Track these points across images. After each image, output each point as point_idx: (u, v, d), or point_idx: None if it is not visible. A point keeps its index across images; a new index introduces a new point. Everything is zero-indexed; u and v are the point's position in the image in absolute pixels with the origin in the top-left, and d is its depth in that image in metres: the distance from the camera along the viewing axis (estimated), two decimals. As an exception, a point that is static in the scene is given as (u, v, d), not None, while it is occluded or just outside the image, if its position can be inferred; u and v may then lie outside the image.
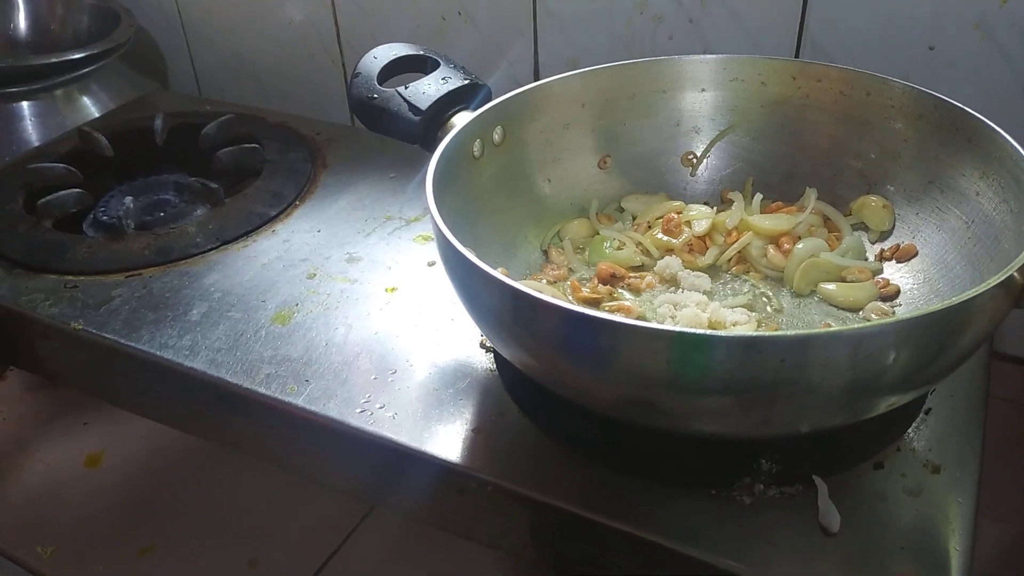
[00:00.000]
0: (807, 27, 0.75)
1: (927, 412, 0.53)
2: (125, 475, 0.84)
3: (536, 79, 0.65)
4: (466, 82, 0.63)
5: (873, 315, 0.57)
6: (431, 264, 0.69)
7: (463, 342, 0.60)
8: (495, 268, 0.45)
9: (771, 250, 0.62)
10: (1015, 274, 0.41)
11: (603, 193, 0.69)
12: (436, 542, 0.74)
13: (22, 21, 1.11)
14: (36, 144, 0.94)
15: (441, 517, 0.55)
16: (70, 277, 0.70)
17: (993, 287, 0.40)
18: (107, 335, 0.64)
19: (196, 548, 0.77)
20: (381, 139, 0.65)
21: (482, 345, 0.60)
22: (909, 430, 0.52)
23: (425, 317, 0.63)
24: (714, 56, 0.67)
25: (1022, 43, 0.67)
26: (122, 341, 0.63)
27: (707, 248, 0.64)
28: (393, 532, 0.77)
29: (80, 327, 0.65)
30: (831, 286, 0.59)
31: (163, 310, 0.66)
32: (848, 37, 0.73)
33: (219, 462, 0.84)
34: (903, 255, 0.60)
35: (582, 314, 0.42)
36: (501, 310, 0.47)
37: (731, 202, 0.66)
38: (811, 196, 0.64)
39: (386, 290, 0.67)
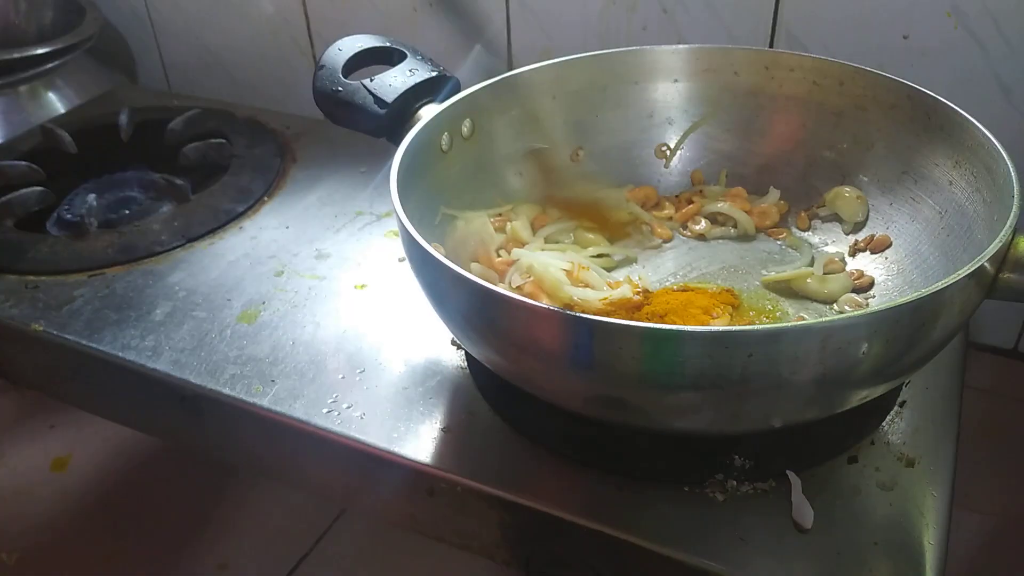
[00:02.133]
0: (781, 16, 0.74)
1: (902, 404, 0.52)
2: (92, 479, 0.83)
3: (510, 71, 0.64)
4: (433, 74, 0.61)
5: (847, 307, 0.57)
6: (402, 260, 0.68)
7: (433, 339, 0.59)
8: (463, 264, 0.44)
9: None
10: (986, 264, 0.41)
11: (576, 186, 0.68)
12: (407, 544, 0.74)
13: (-16, 16, 1.09)
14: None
15: (411, 519, 0.54)
16: (31, 277, 0.69)
17: (963, 278, 0.39)
18: (68, 336, 0.62)
19: (164, 553, 0.76)
20: (352, 133, 0.64)
21: (453, 342, 0.59)
22: (883, 423, 0.51)
23: (395, 314, 0.62)
24: (686, 46, 0.66)
25: (995, 30, 0.66)
26: (84, 342, 0.61)
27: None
28: (364, 535, 0.76)
29: (41, 328, 0.63)
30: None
31: (126, 310, 0.64)
32: (822, 26, 0.73)
33: (187, 465, 0.83)
34: (877, 246, 0.59)
35: (551, 311, 0.41)
36: (468, 308, 0.46)
37: (702, 182, 0.65)
38: (774, 195, 0.63)
39: (355, 287, 0.66)
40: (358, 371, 0.57)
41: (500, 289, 0.42)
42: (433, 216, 0.58)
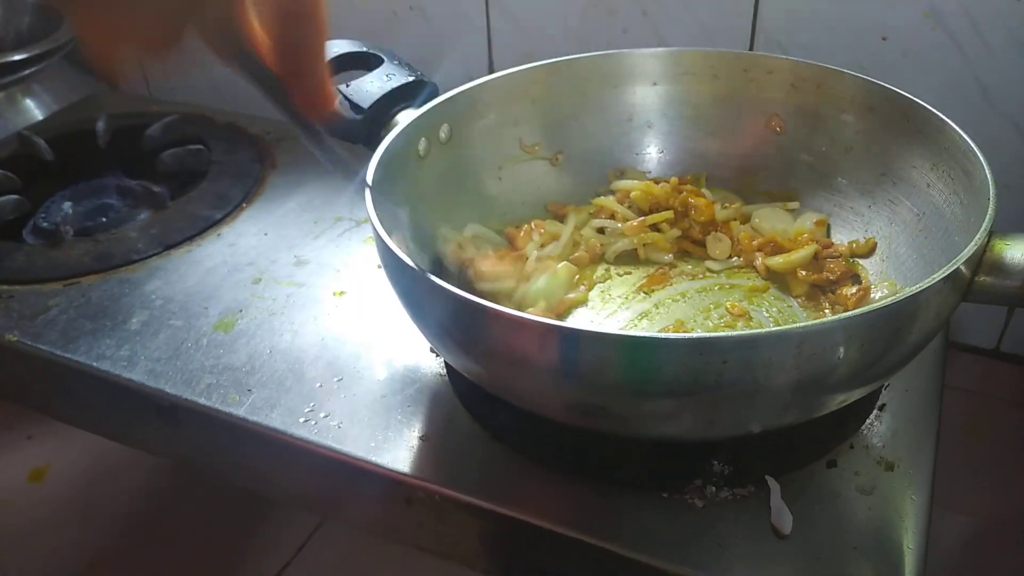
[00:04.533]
0: (760, 19, 0.74)
1: (881, 408, 0.52)
2: (70, 490, 0.82)
3: (490, 75, 0.63)
4: (411, 79, 0.61)
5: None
6: (380, 266, 0.67)
7: (412, 347, 0.59)
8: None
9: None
10: (961, 267, 0.41)
11: (556, 190, 0.67)
12: (388, 554, 0.73)
13: (-40, 23, 1.07)
14: (-24, 149, 0.90)
15: (390, 528, 0.54)
16: (5, 286, 0.68)
17: (939, 281, 0.39)
18: (43, 346, 0.61)
19: (142, 563, 0.75)
20: (333, 138, 0.63)
21: (432, 350, 0.58)
22: (863, 427, 0.51)
23: (374, 321, 0.62)
24: (664, 49, 0.66)
25: (973, 31, 0.67)
26: (58, 352, 0.61)
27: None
28: (345, 544, 0.75)
29: (15, 338, 0.62)
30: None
31: (102, 319, 0.63)
32: (801, 29, 0.72)
33: (166, 476, 0.82)
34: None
35: (528, 320, 0.40)
36: (444, 317, 0.45)
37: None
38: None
39: (334, 294, 0.65)
40: (336, 379, 0.57)
41: (476, 298, 0.41)
42: (411, 221, 0.57)
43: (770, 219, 0.63)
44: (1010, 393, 0.77)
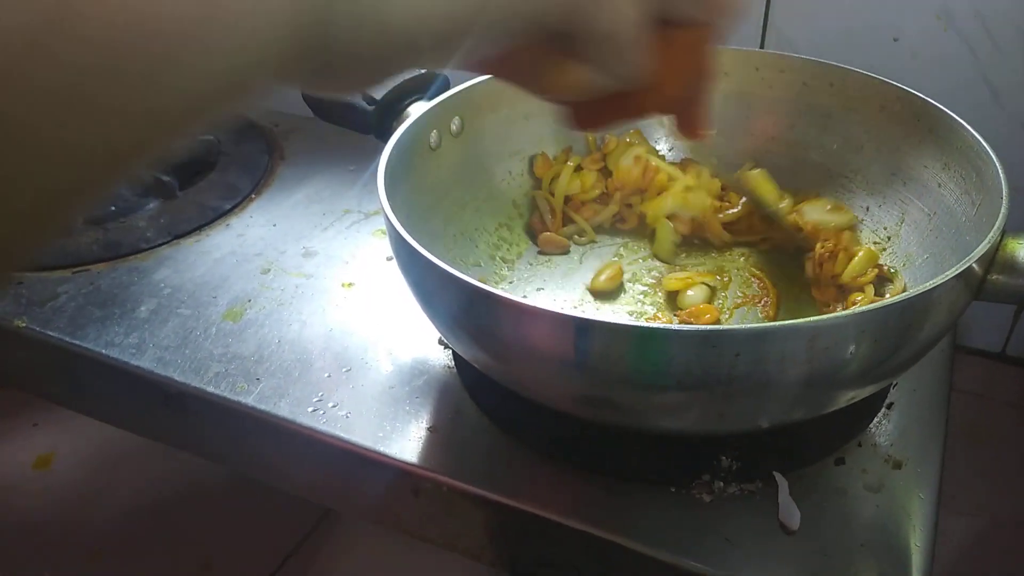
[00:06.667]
0: (772, 17, 0.74)
1: (889, 406, 0.52)
2: (75, 477, 0.82)
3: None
4: (423, 70, 0.61)
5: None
6: (389, 259, 0.68)
7: (420, 338, 0.59)
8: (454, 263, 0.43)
9: None
10: (974, 265, 0.41)
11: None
12: (393, 544, 0.73)
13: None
14: (-16, 136, 0.90)
15: (396, 518, 0.54)
16: (14, 273, 0.68)
17: (952, 278, 0.39)
18: (51, 333, 0.61)
19: (147, 551, 0.75)
20: (341, 130, 0.64)
21: (440, 342, 0.58)
22: (871, 425, 0.51)
23: (382, 313, 0.62)
24: (677, 46, 0.65)
25: (984, 33, 0.67)
26: (67, 339, 0.61)
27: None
28: (349, 534, 0.75)
29: (23, 325, 0.62)
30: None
31: (110, 307, 0.63)
32: (813, 28, 0.73)
33: (171, 463, 0.82)
34: (866, 248, 0.59)
35: (539, 310, 0.40)
36: (455, 307, 0.45)
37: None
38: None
39: (342, 285, 0.65)
40: (344, 370, 0.57)
41: (487, 287, 0.41)
42: (422, 213, 0.57)
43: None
44: (1016, 396, 0.77)
